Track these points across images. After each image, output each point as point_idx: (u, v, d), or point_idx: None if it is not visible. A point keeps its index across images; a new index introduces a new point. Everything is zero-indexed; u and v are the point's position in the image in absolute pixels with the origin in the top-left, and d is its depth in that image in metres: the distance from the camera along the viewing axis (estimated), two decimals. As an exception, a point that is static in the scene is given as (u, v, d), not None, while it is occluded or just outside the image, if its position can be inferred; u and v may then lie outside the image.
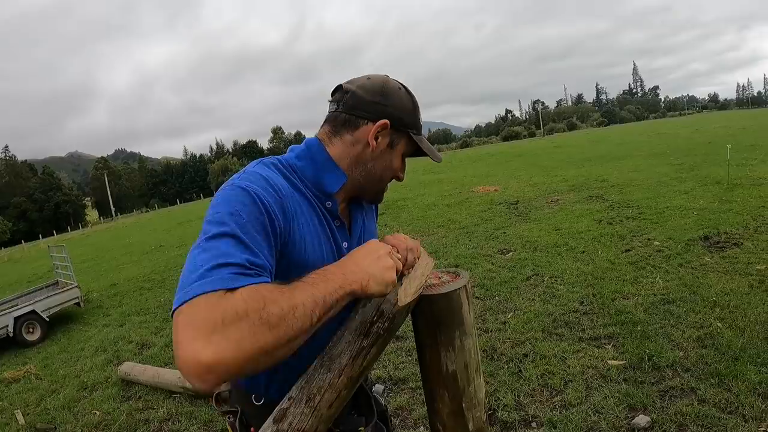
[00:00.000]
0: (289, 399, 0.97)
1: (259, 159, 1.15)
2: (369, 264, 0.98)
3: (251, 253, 0.89)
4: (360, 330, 1.01)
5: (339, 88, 1.19)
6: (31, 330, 7.43)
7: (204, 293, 0.77)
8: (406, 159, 1.25)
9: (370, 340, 1.00)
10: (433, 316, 1.11)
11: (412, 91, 1.22)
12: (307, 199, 1.13)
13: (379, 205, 1.42)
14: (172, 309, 0.80)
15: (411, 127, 1.19)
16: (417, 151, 1.23)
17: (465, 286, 1.13)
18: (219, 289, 0.78)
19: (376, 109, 1.14)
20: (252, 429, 1.25)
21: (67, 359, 6.16)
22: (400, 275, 1.11)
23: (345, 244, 1.21)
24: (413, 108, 1.20)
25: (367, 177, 1.19)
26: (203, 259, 0.85)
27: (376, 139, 1.14)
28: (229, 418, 1.31)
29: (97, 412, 4.29)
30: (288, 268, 1.02)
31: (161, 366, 4.89)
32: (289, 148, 1.22)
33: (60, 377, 5.49)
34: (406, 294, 1.05)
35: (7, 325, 7.26)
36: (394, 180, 1.26)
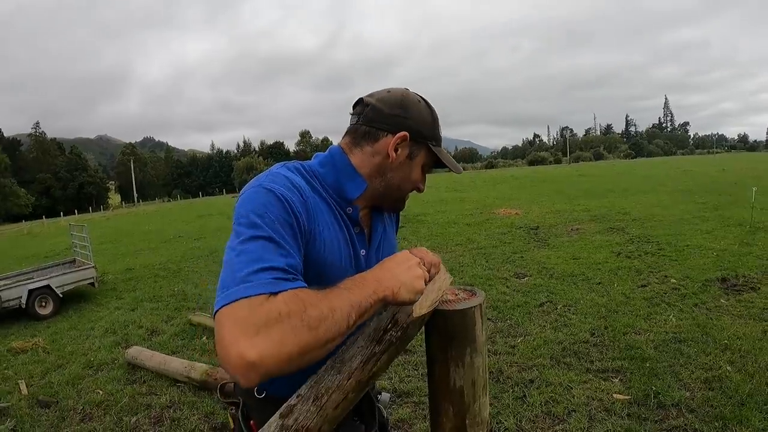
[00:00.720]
0: (297, 396, 0.98)
1: (284, 162, 1.18)
2: (401, 272, 1.01)
3: (288, 256, 0.94)
4: (373, 336, 1.03)
5: (360, 102, 1.23)
6: (43, 304, 7.56)
7: (248, 297, 0.83)
8: (427, 171, 1.27)
9: (382, 347, 1.02)
10: (447, 331, 1.12)
11: (432, 105, 1.25)
12: (328, 204, 1.16)
13: (400, 217, 1.46)
14: (215, 309, 0.84)
15: (430, 139, 1.21)
16: (437, 163, 1.25)
17: (480, 304, 1.14)
18: (262, 293, 0.84)
19: (395, 122, 1.17)
20: (252, 422, 1.27)
21: (75, 336, 6.26)
22: None
23: (363, 252, 1.23)
24: (432, 120, 1.22)
25: (386, 187, 1.21)
26: (242, 261, 0.89)
27: (396, 150, 1.17)
28: (231, 409, 1.33)
29: (101, 392, 4.35)
30: (306, 266, 1.04)
31: (169, 354, 4.94)
32: (314, 155, 1.26)
33: (67, 353, 5.57)
34: (422, 306, 1.07)
35: (21, 297, 7.39)
36: (414, 191, 1.28)
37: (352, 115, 1.24)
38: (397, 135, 1.16)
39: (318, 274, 1.07)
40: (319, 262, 1.09)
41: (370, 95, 1.23)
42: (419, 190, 1.28)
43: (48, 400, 4.27)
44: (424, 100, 1.23)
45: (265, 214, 0.97)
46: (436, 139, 1.23)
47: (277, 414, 0.96)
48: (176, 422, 3.70)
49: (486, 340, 1.19)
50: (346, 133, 1.24)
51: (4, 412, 4.12)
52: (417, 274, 1.03)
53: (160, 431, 3.62)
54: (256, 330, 0.78)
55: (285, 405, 0.97)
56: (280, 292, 0.85)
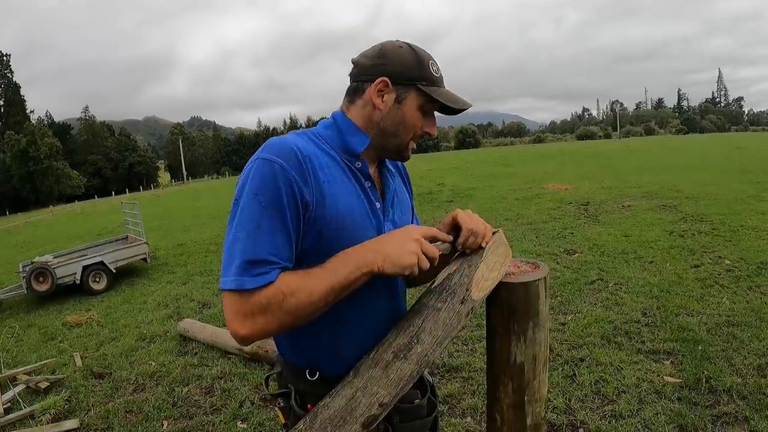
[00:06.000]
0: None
1: (293, 131, 1.23)
2: (392, 247, 1.07)
3: (272, 246, 1.05)
4: None
5: (352, 63, 1.27)
6: (97, 280, 7.84)
7: (236, 290, 1.02)
8: (430, 114, 1.25)
9: None
10: (509, 304, 1.09)
11: (422, 48, 1.23)
12: (336, 162, 1.19)
13: (410, 182, 1.49)
14: (220, 287, 1.05)
15: (417, 80, 1.19)
16: (445, 105, 1.22)
17: (544, 278, 1.11)
18: (247, 289, 1.01)
19: (375, 71, 1.19)
20: (309, 406, 1.22)
21: (128, 310, 6.48)
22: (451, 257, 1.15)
23: (378, 205, 1.24)
24: (417, 61, 1.20)
25: (382, 135, 1.22)
26: (236, 250, 1.05)
27: (381, 97, 1.19)
28: (278, 403, 1.31)
29: (153, 363, 4.50)
30: (323, 223, 1.11)
31: (220, 326, 5.04)
32: (319, 121, 1.30)
33: (120, 326, 5.77)
34: (480, 289, 1.06)
35: (75, 273, 7.67)
36: (426, 136, 1.27)
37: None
38: (376, 81, 1.18)
39: (337, 228, 1.12)
40: (334, 215, 1.12)
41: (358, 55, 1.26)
42: (428, 134, 1.27)
43: (102, 372, 4.44)
44: (408, 44, 1.23)
45: (259, 195, 1.05)
46: (427, 78, 1.20)
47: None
48: (227, 393, 3.79)
49: (548, 315, 1.16)
50: (345, 94, 1.28)
51: (59, 383, 4.30)
52: (409, 250, 1.06)
53: (211, 401, 3.70)
54: (244, 318, 1.02)
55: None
56: (266, 285, 1.01)
